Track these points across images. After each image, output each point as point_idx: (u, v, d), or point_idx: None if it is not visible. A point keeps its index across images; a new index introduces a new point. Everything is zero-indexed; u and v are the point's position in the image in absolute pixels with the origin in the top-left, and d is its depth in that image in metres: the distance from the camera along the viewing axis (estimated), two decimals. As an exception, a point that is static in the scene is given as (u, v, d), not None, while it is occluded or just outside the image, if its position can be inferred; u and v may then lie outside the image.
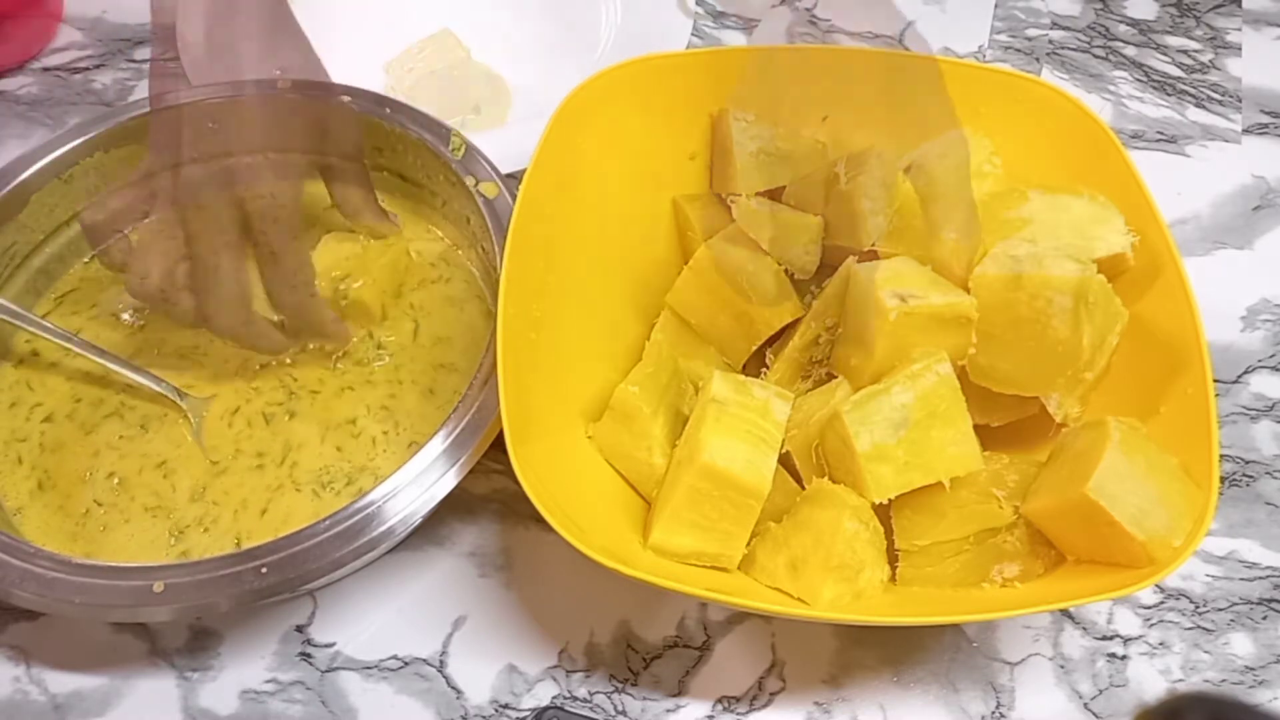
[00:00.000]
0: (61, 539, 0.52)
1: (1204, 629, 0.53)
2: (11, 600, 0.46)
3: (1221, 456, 0.45)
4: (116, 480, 0.54)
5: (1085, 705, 0.51)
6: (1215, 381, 0.47)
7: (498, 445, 0.47)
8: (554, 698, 0.51)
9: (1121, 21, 0.78)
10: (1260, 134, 0.72)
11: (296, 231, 0.51)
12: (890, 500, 0.48)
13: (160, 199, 0.51)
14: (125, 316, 0.60)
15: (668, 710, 0.51)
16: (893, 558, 0.48)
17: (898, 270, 0.48)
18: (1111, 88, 0.74)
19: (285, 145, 0.51)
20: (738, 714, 0.51)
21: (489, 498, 0.57)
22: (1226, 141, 0.71)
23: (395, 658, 0.52)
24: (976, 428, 0.50)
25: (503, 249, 0.50)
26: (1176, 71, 0.75)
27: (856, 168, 0.52)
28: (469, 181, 0.58)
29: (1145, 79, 0.75)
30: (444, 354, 0.58)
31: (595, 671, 0.52)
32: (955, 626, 0.53)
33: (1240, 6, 0.79)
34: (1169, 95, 0.74)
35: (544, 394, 0.49)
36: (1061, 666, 0.52)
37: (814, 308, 0.51)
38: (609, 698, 0.51)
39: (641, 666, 0.52)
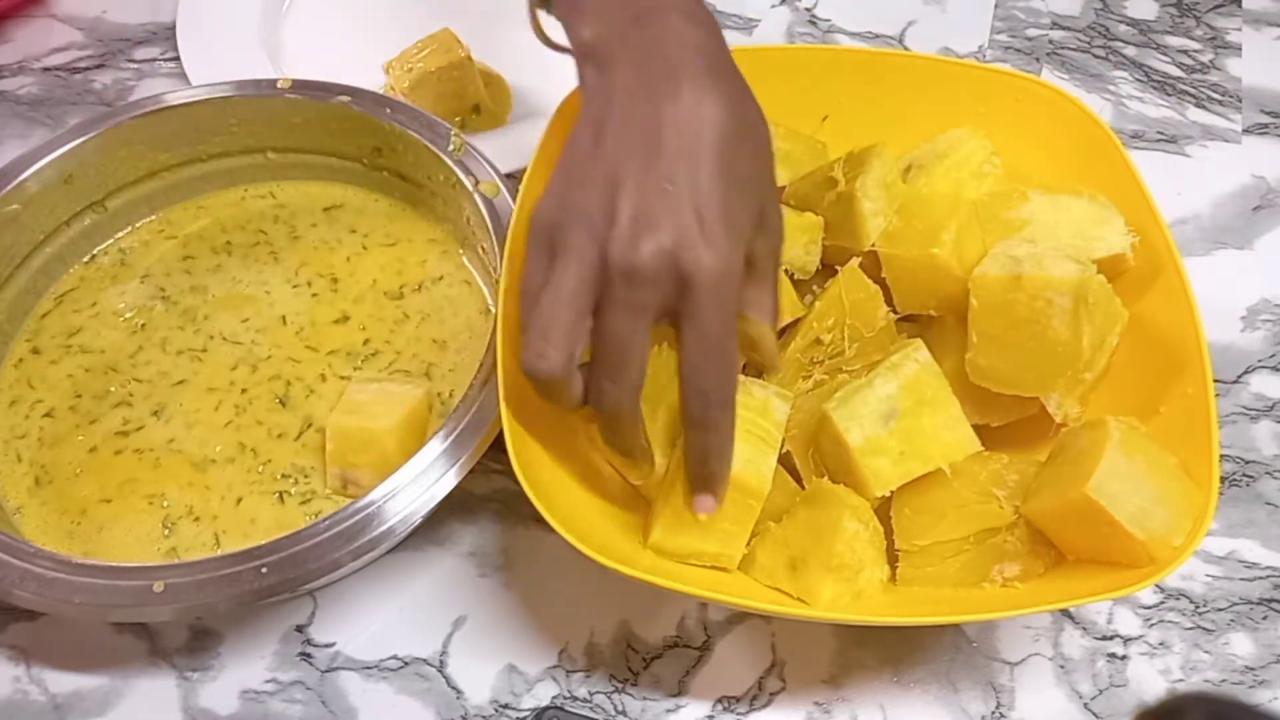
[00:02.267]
0: (59, 537, 0.52)
1: (1204, 629, 0.53)
2: (11, 600, 0.47)
3: (1221, 456, 0.45)
4: (112, 474, 0.54)
5: (1085, 705, 0.51)
6: (1215, 381, 0.47)
7: (498, 445, 0.47)
8: (554, 698, 0.51)
9: (1121, 21, 0.78)
10: (1260, 134, 0.72)
11: (735, 313, 0.41)
12: (890, 499, 0.48)
13: (564, 269, 0.40)
14: (126, 316, 0.60)
15: (668, 710, 0.51)
16: (893, 558, 0.48)
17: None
18: (1111, 88, 0.74)
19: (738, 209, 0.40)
20: (738, 714, 0.51)
21: (489, 498, 0.57)
22: (1226, 141, 0.71)
23: (395, 658, 0.52)
24: (976, 428, 0.50)
25: (503, 249, 0.50)
26: (1176, 71, 0.75)
27: (856, 168, 0.52)
28: (469, 181, 0.58)
29: (1145, 79, 0.75)
30: (444, 354, 0.58)
31: (595, 671, 0.52)
32: (955, 626, 0.53)
33: (1240, 6, 0.79)
34: (1169, 95, 0.74)
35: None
36: (1061, 666, 0.52)
37: (815, 309, 0.51)
38: (609, 698, 0.51)
39: (641, 666, 0.52)
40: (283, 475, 0.54)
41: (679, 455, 0.48)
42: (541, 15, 0.50)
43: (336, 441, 0.52)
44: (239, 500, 0.54)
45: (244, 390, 0.57)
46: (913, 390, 0.46)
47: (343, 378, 0.57)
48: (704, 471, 0.44)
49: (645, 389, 0.49)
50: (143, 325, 0.60)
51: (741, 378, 0.48)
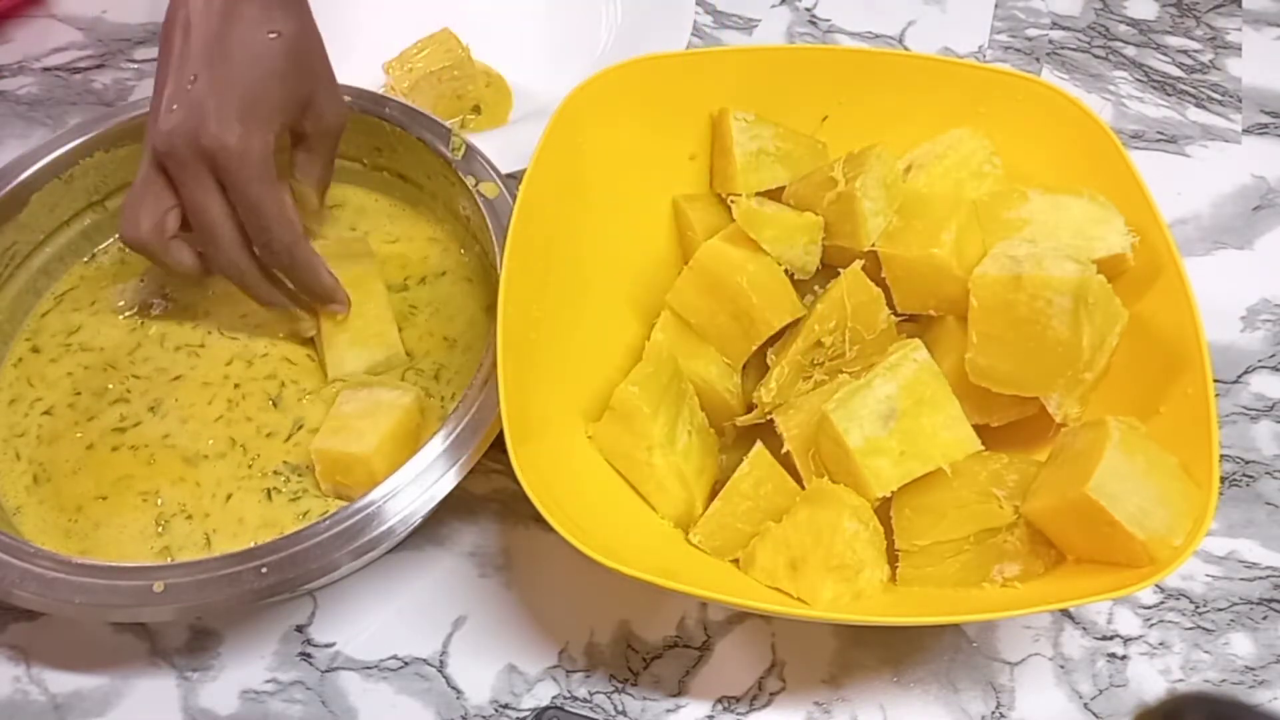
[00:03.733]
0: (57, 535, 0.52)
1: (1204, 629, 0.53)
2: (11, 600, 0.47)
3: (1221, 456, 0.45)
4: (108, 471, 0.54)
5: (1085, 705, 0.51)
6: (1215, 381, 0.47)
7: (498, 445, 0.47)
8: (554, 698, 0.51)
9: (1121, 21, 0.78)
10: (1260, 134, 0.72)
11: (272, 178, 0.51)
12: (890, 499, 0.48)
13: (144, 156, 0.52)
14: (126, 314, 0.60)
15: (668, 710, 0.51)
16: (893, 558, 0.48)
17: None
18: (1111, 88, 0.74)
19: (261, 99, 0.51)
20: (738, 714, 0.51)
21: (489, 498, 0.57)
22: (1226, 141, 0.71)
23: (395, 658, 0.52)
24: (976, 428, 0.50)
25: (503, 249, 0.50)
26: (1176, 71, 0.75)
27: (856, 168, 0.52)
28: (469, 181, 0.58)
29: (1145, 79, 0.75)
30: (444, 354, 0.58)
31: (595, 671, 0.52)
32: (955, 626, 0.53)
33: (1240, 6, 0.79)
34: (1169, 95, 0.74)
35: (544, 394, 0.49)
36: (1061, 666, 0.52)
37: (816, 310, 0.51)
38: (609, 698, 0.51)
39: (641, 666, 0.52)
40: (273, 472, 0.55)
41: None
42: None
43: (322, 464, 0.53)
44: (229, 496, 0.54)
45: (237, 385, 0.57)
46: (912, 390, 0.46)
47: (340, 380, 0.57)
48: (316, 298, 0.56)
49: (645, 389, 0.49)
50: (142, 323, 0.60)
51: None
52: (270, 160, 0.51)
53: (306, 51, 0.53)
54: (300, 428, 0.56)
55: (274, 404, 0.57)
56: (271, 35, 0.51)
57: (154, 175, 0.51)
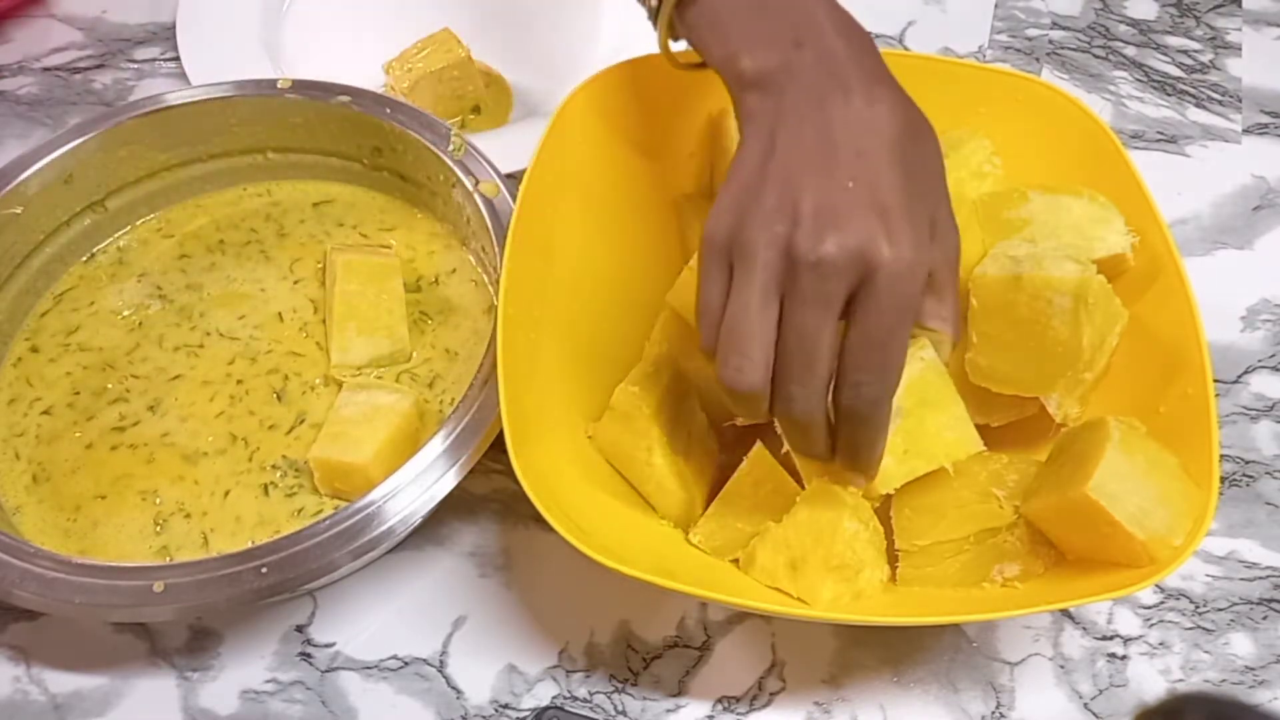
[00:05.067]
0: (56, 535, 0.52)
1: (1204, 629, 0.53)
2: (11, 600, 0.47)
3: (1221, 456, 0.45)
4: (106, 470, 0.54)
5: (1085, 705, 0.51)
6: (1215, 381, 0.47)
7: (498, 445, 0.47)
8: (554, 698, 0.51)
9: (1121, 21, 0.78)
10: (1260, 134, 0.72)
11: (913, 316, 0.39)
12: (890, 499, 0.48)
13: (750, 277, 0.39)
14: (124, 314, 0.60)
15: (668, 710, 0.51)
16: (893, 558, 0.48)
17: None
18: (1111, 88, 0.74)
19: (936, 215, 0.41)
20: (738, 714, 0.51)
21: (489, 498, 0.57)
22: (1226, 141, 0.71)
23: (395, 658, 0.52)
24: (977, 428, 0.50)
25: (503, 249, 0.50)
26: (1176, 71, 0.75)
27: (856, 168, 0.51)
28: (469, 181, 0.58)
29: (1145, 79, 0.75)
30: (443, 364, 0.58)
31: (595, 671, 0.52)
32: (955, 626, 0.53)
33: (1240, 6, 0.79)
34: (1169, 95, 0.74)
35: (544, 394, 0.49)
36: (1061, 666, 0.52)
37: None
38: (609, 698, 0.51)
39: (641, 666, 0.52)
40: (271, 466, 0.55)
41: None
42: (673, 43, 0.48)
43: (320, 471, 0.53)
44: (226, 493, 0.54)
45: (240, 381, 0.58)
46: (916, 390, 0.46)
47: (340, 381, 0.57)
48: (853, 465, 0.44)
49: (645, 389, 0.49)
50: (140, 323, 0.60)
51: None
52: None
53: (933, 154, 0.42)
54: (302, 421, 0.56)
55: (278, 397, 0.57)
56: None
57: (770, 300, 0.39)
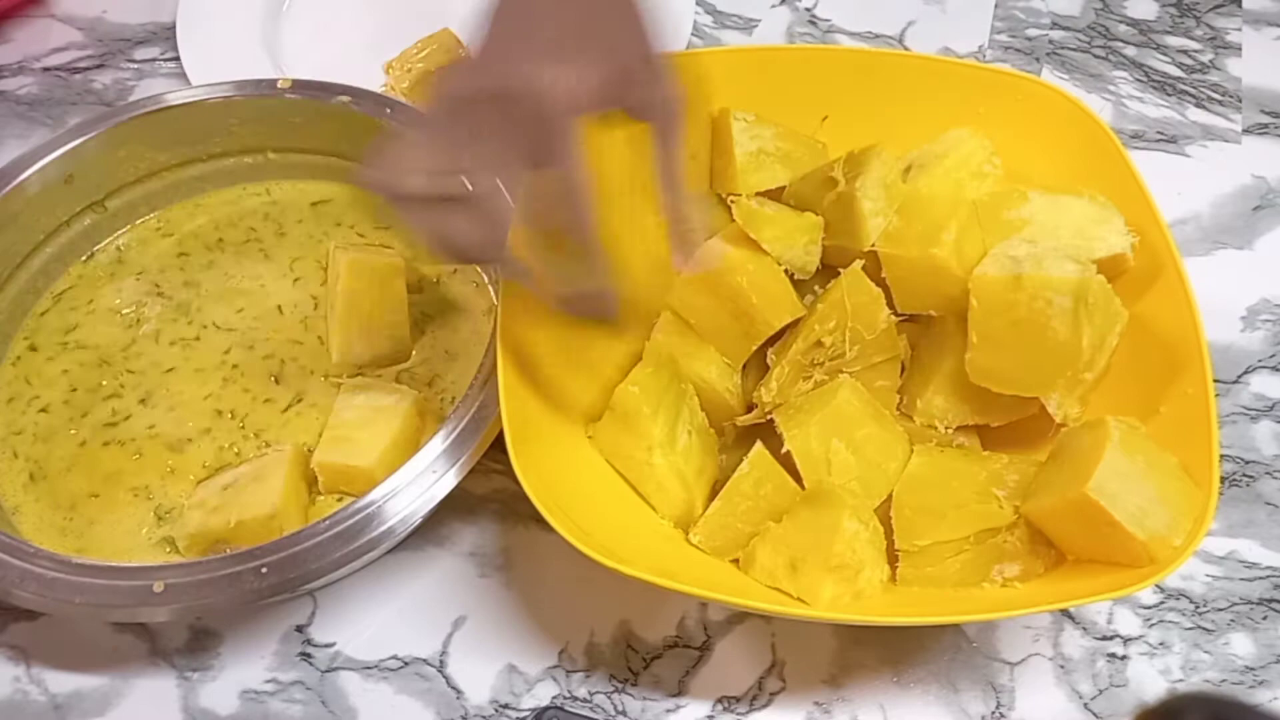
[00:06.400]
0: (53, 534, 0.53)
1: (1204, 629, 0.53)
2: (11, 600, 0.47)
3: (1221, 456, 0.45)
4: (99, 468, 0.55)
5: (1085, 705, 0.51)
6: (1215, 381, 0.47)
7: (498, 445, 0.47)
8: (554, 698, 0.51)
9: (1121, 21, 0.78)
10: (1260, 134, 0.72)
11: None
12: (890, 499, 0.48)
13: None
14: (122, 312, 0.60)
15: (668, 710, 0.51)
16: (893, 558, 0.48)
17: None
18: (1111, 88, 0.74)
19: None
20: (738, 714, 0.51)
21: (489, 498, 0.57)
22: (1226, 141, 0.71)
23: (395, 658, 0.52)
24: (977, 428, 0.50)
25: (502, 249, 0.50)
26: (1176, 71, 0.75)
27: (856, 168, 0.52)
28: (469, 181, 0.58)
29: (1145, 79, 0.75)
30: (442, 364, 0.58)
31: (595, 671, 0.52)
32: (955, 626, 0.53)
33: (1240, 6, 0.79)
34: (1169, 95, 0.74)
35: (544, 394, 0.49)
36: (1061, 666, 0.52)
37: (817, 311, 0.51)
38: (609, 698, 0.51)
39: (641, 666, 0.52)
40: (259, 438, 0.55)
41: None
42: None
43: (325, 475, 0.53)
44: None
45: (235, 365, 0.58)
46: (842, 425, 0.48)
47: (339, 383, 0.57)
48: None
49: (645, 389, 0.49)
50: (137, 320, 0.60)
51: None
52: (579, 117, 0.40)
53: None
54: (300, 400, 0.56)
55: (275, 380, 0.57)
56: None
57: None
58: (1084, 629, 0.53)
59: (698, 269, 0.46)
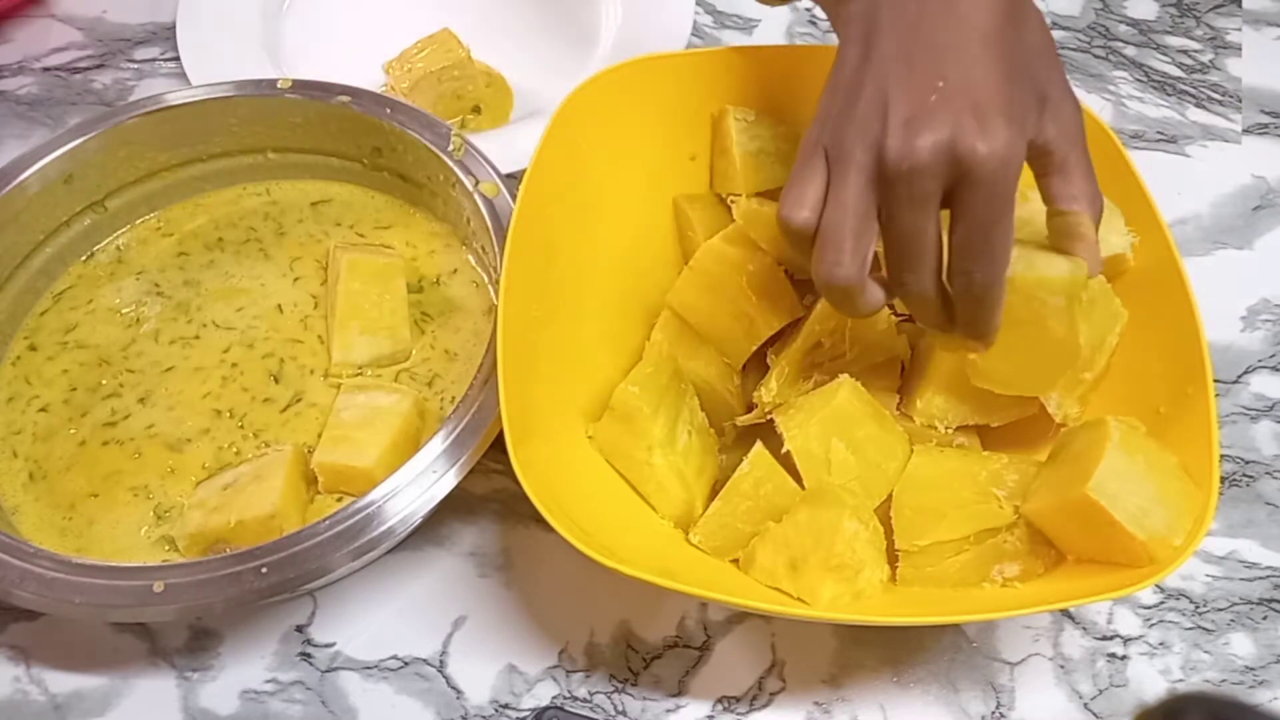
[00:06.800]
0: (52, 534, 0.53)
1: (1204, 629, 0.53)
2: (11, 600, 0.47)
3: (1221, 456, 0.45)
4: (98, 467, 0.55)
5: (1085, 705, 0.51)
6: (1215, 381, 0.47)
7: (498, 445, 0.47)
8: (554, 698, 0.51)
9: (1121, 21, 0.78)
10: (1260, 134, 0.72)
11: (1012, 203, 0.40)
12: (890, 500, 0.48)
13: (848, 180, 0.41)
14: (122, 312, 0.60)
15: (668, 710, 0.51)
16: (893, 558, 0.48)
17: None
18: (1111, 88, 0.74)
19: (1016, 97, 0.40)
20: (738, 714, 0.51)
21: (489, 498, 0.57)
22: (1226, 141, 0.71)
23: (395, 658, 0.52)
24: (977, 428, 0.50)
25: (503, 249, 0.50)
26: (1176, 71, 0.75)
27: (856, 168, 0.51)
28: (469, 181, 0.58)
29: (1145, 79, 0.75)
30: (442, 364, 0.58)
31: (595, 671, 0.52)
32: (955, 626, 0.53)
33: (1240, 6, 0.79)
34: (1169, 95, 0.74)
35: (544, 394, 0.49)
36: (1061, 666, 0.52)
37: (816, 310, 0.51)
38: (609, 698, 0.51)
39: (641, 666, 0.52)
40: (258, 438, 0.55)
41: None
42: None
43: (325, 476, 0.53)
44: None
45: (234, 364, 0.58)
46: (843, 427, 0.48)
47: (339, 383, 0.57)
48: (973, 335, 0.44)
49: (645, 389, 0.49)
50: (137, 319, 0.60)
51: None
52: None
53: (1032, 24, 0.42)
54: (299, 399, 0.56)
55: (275, 379, 0.57)
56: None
57: (865, 199, 0.40)
58: (1084, 629, 0.53)
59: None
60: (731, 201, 0.53)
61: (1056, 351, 0.46)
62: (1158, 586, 0.54)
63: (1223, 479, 0.54)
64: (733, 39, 0.77)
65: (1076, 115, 0.43)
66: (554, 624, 0.53)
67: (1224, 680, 0.52)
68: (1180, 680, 0.52)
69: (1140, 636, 0.53)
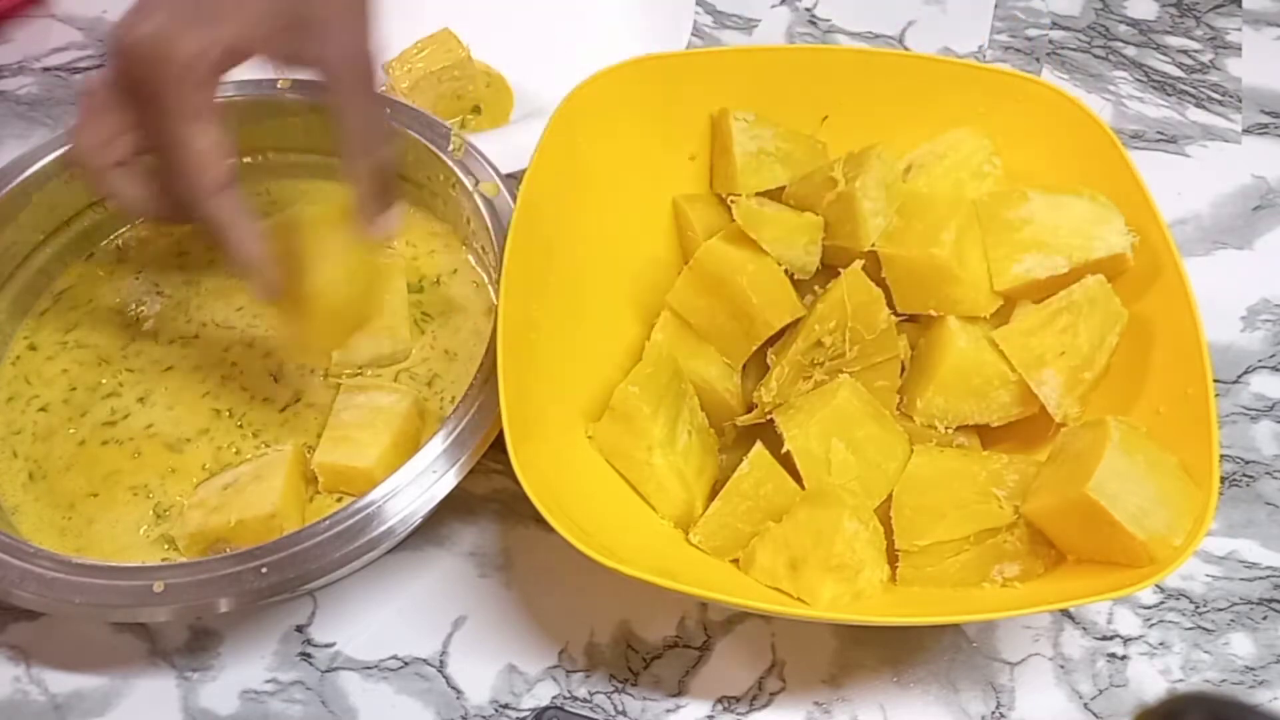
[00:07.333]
0: (52, 533, 0.53)
1: (1204, 629, 0.53)
2: (11, 600, 0.47)
3: (1221, 456, 0.45)
4: (98, 467, 0.55)
5: (1085, 705, 0.51)
6: (1215, 381, 0.47)
7: (498, 445, 0.47)
8: (554, 698, 0.51)
9: (1121, 21, 0.78)
10: (1260, 134, 0.72)
11: (196, 108, 0.42)
12: (890, 500, 0.48)
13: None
14: (121, 311, 0.60)
15: (668, 710, 0.51)
16: (893, 558, 0.48)
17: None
18: (1111, 88, 0.74)
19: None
20: (738, 714, 0.51)
21: (489, 498, 0.57)
22: (1226, 141, 0.71)
23: (395, 658, 0.52)
24: (976, 428, 0.50)
25: (503, 249, 0.50)
26: (1176, 71, 0.75)
27: (856, 168, 0.52)
28: (469, 181, 0.58)
29: (1145, 79, 0.75)
30: (442, 364, 0.58)
31: (595, 671, 0.52)
32: (955, 626, 0.53)
33: (1240, 6, 0.79)
34: (1169, 95, 0.74)
35: (544, 394, 0.49)
36: (1061, 666, 0.52)
37: (816, 311, 0.51)
38: (609, 698, 0.51)
39: (641, 666, 0.52)
40: (257, 438, 0.55)
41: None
42: None
43: (325, 476, 0.53)
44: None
45: (234, 363, 0.58)
46: (843, 426, 0.49)
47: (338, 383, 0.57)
48: (235, 263, 0.45)
49: (645, 389, 0.49)
50: (137, 318, 0.60)
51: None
52: (208, 84, 0.41)
53: None
54: (298, 400, 0.56)
55: (274, 379, 0.57)
56: None
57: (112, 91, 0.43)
58: (1084, 629, 0.53)
59: (383, 236, 0.47)
60: (731, 201, 0.53)
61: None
62: (1158, 586, 0.54)
63: (1223, 479, 0.54)
64: (733, 39, 0.77)
65: (350, 45, 0.43)
66: (554, 624, 0.53)
67: (1224, 680, 0.52)
68: (1180, 680, 0.52)
69: (1140, 636, 0.53)
